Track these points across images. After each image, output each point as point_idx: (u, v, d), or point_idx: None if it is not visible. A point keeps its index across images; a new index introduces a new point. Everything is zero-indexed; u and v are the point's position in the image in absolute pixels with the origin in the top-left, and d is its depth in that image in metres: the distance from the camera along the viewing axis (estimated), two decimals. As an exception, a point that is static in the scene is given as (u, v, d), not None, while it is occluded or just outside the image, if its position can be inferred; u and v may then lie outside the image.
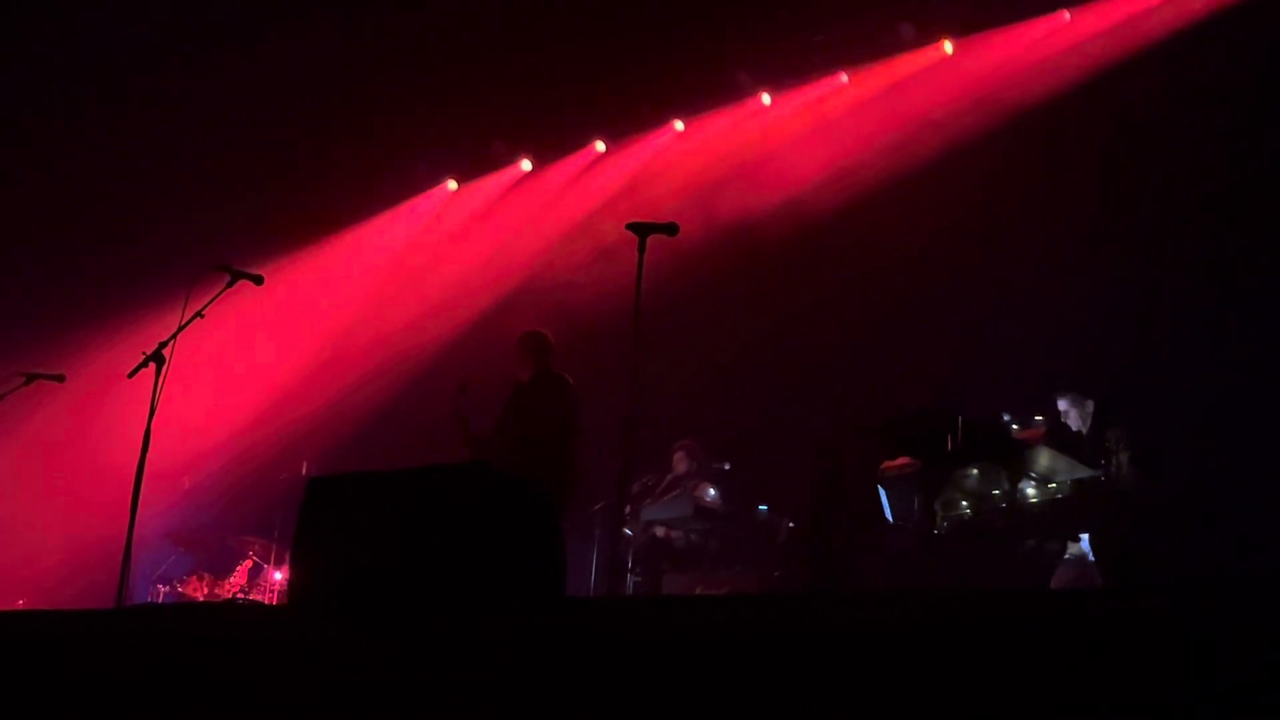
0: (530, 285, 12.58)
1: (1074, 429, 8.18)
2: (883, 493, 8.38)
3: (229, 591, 10.86)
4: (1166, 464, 7.88)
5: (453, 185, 13.54)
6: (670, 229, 6.71)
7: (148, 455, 6.73)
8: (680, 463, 10.01)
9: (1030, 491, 7.82)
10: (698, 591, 9.13)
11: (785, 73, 11.57)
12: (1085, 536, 7.71)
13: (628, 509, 9.18)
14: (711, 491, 9.79)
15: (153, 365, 6.88)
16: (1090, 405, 8.21)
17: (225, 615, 4.58)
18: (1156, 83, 9.66)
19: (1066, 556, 7.63)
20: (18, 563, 11.76)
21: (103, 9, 11.08)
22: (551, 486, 7.32)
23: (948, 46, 10.90)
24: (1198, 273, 9.07)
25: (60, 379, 8.34)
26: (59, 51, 11.42)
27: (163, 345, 6.91)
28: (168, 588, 11.09)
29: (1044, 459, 7.73)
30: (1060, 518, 7.75)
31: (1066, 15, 10.45)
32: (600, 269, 11.18)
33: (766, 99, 11.76)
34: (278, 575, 11.06)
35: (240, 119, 11.79)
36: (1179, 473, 7.94)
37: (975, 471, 7.81)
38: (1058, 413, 8.30)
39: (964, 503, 7.99)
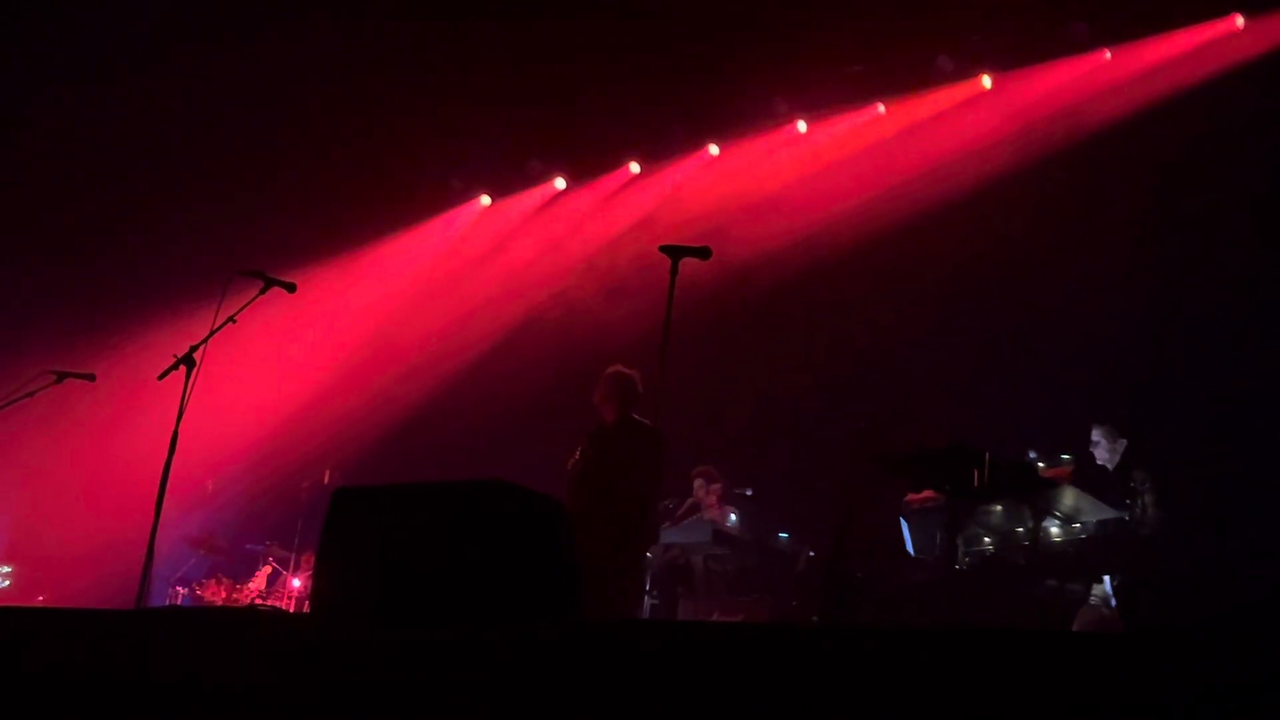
0: (558, 303, 12.62)
1: (1099, 460, 8.13)
2: (905, 525, 8.34)
3: (247, 596, 10.89)
4: (1191, 507, 7.81)
5: (486, 200, 13.61)
6: (703, 253, 6.70)
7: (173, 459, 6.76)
8: (700, 488, 9.97)
9: (1054, 530, 7.76)
10: (714, 617, 9.09)
11: (822, 101, 11.57)
12: (1108, 578, 7.64)
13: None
14: (732, 517, 9.75)
15: (183, 368, 6.91)
16: (1122, 444, 8.16)
17: (248, 621, 4.59)
18: (1191, 124, 9.61)
19: (1091, 599, 7.55)
20: (41, 559, 11.85)
21: (146, 16, 11.18)
22: (632, 536, 7.28)
23: (986, 81, 10.88)
24: (1230, 313, 9.00)
25: (90, 378, 8.39)
26: (98, 56, 11.52)
27: (194, 349, 6.94)
28: (186, 590, 11.15)
29: (1069, 498, 7.67)
30: (1083, 558, 7.68)
31: (1107, 54, 10.42)
32: (625, 292, 11.21)
33: (802, 126, 11.76)
34: (296, 582, 11.09)
35: (280, 128, 11.88)
36: (1204, 516, 7.86)
37: (999, 508, 7.76)
38: (1084, 452, 8.25)
39: (987, 539, 7.94)
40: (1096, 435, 8.28)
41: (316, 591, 3.82)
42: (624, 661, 3.03)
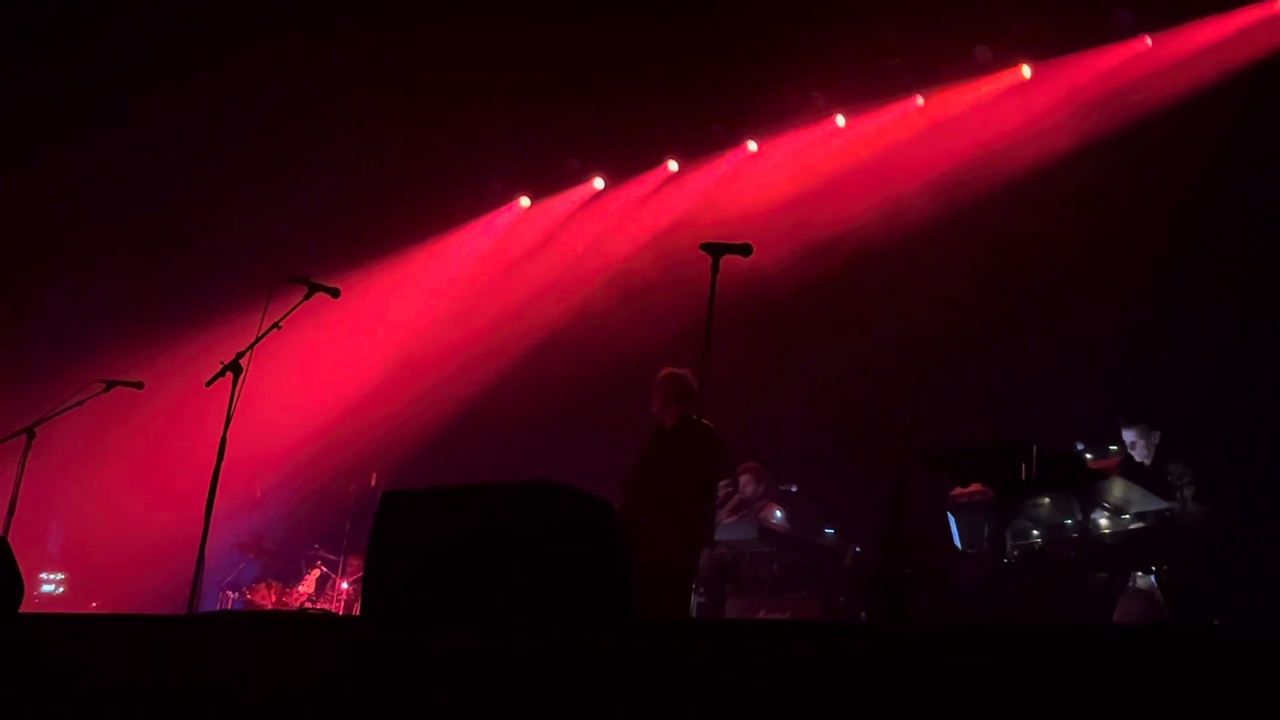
0: (600, 302, 12.64)
1: (1138, 460, 8.04)
2: (952, 520, 8.30)
3: (297, 600, 10.98)
4: (1233, 499, 7.70)
5: (526, 202, 13.66)
6: (744, 250, 6.69)
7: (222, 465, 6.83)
8: (746, 484, 9.95)
9: (1103, 522, 7.70)
10: (761, 615, 9.08)
11: (860, 95, 11.53)
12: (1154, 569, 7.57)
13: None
14: (778, 513, 9.74)
15: (230, 375, 6.97)
16: (1157, 436, 8.06)
17: (298, 624, 4.62)
18: (1235, 109, 9.50)
19: (1132, 586, 7.48)
20: (93, 566, 11.99)
21: (187, 23, 11.29)
22: (690, 539, 7.32)
23: (1026, 70, 10.80)
24: (1275, 301, 8.88)
25: (139, 386, 8.51)
26: (141, 63, 11.64)
27: (240, 355, 7.00)
28: (236, 594, 11.25)
29: (1118, 489, 7.60)
30: (1133, 550, 7.61)
31: (1148, 40, 10.32)
32: (674, 285, 11.20)
33: (841, 121, 11.72)
34: (345, 585, 11.17)
35: (321, 133, 11.95)
36: (1248, 509, 7.76)
37: (1047, 501, 7.70)
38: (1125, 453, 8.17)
39: (1035, 532, 7.89)
40: (1131, 437, 8.14)
41: (366, 595, 3.85)
42: (677, 662, 3.03)
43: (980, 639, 2.94)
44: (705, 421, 7.40)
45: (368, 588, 3.89)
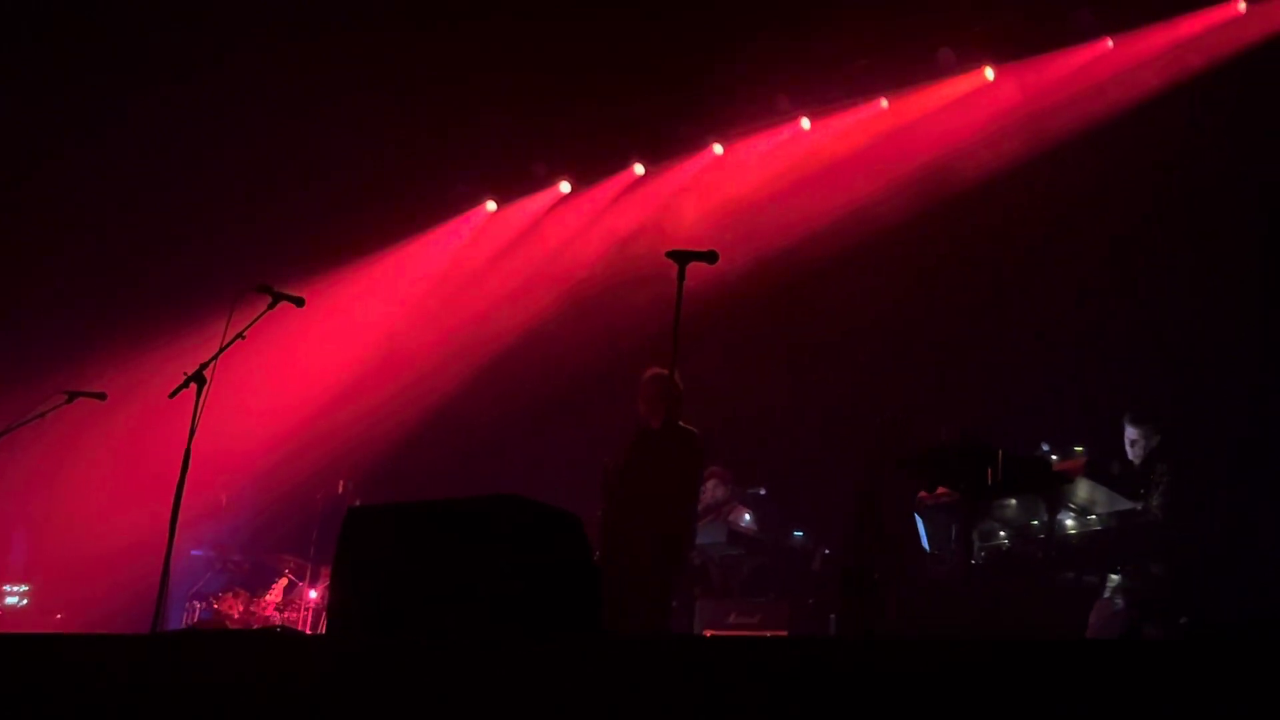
0: (567, 306, 12.63)
1: (1129, 457, 8.05)
2: (919, 522, 8.32)
3: (265, 609, 10.91)
4: (1199, 504, 7.75)
5: (492, 206, 13.63)
6: (710, 257, 6.68)
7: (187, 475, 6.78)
8: (715, 488, 9.96)
9: (1069, 523, 7.73)
10: (731, 618, 9.09)
11: (825, 98, 11.57)
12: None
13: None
14: (746, 517, 9.75)
15: (194, 385, 6.92)
16: (1156, 439, 8.04)
17: (263, 645, 4.59)
18: (1200, 110, 9.57)
19: (1106, 593, 7.53)
20: (58, 577, 11.88)
21: (148, 29, 11.20)
22: (671, 543, 7.30)
23: (989, 73, 10.85)
24: (1245, 301, 8.94)
25: (101, 397, 8.41)
26: (103, 70, 11.55)
27: (204, 366, 6.96)
28: (204, 604, 11.16)
29: (1083, 490, 7.64)
30: (1099, 550, 7.66)
31: (1109, 42, 10.39)
32: (641, 290, 11.20)
33: (806, 123, 11.75)
34: (313, 593, 11.11)
35: (283, 140, 11.87)
36: (1213, 513, 7.80)
37: (1014, 502, 7.74)
38: (1105, 445, 8.17)
39: (1002, 533, 7.92)
40: (1134, 434, 8.08)
41: (332, 611, 3.83)
42: (645, 674, 3.03)
43: (974, 650, 2.96)
44: (689, 426, 7.39)
45: (333, 603, 3.87)
